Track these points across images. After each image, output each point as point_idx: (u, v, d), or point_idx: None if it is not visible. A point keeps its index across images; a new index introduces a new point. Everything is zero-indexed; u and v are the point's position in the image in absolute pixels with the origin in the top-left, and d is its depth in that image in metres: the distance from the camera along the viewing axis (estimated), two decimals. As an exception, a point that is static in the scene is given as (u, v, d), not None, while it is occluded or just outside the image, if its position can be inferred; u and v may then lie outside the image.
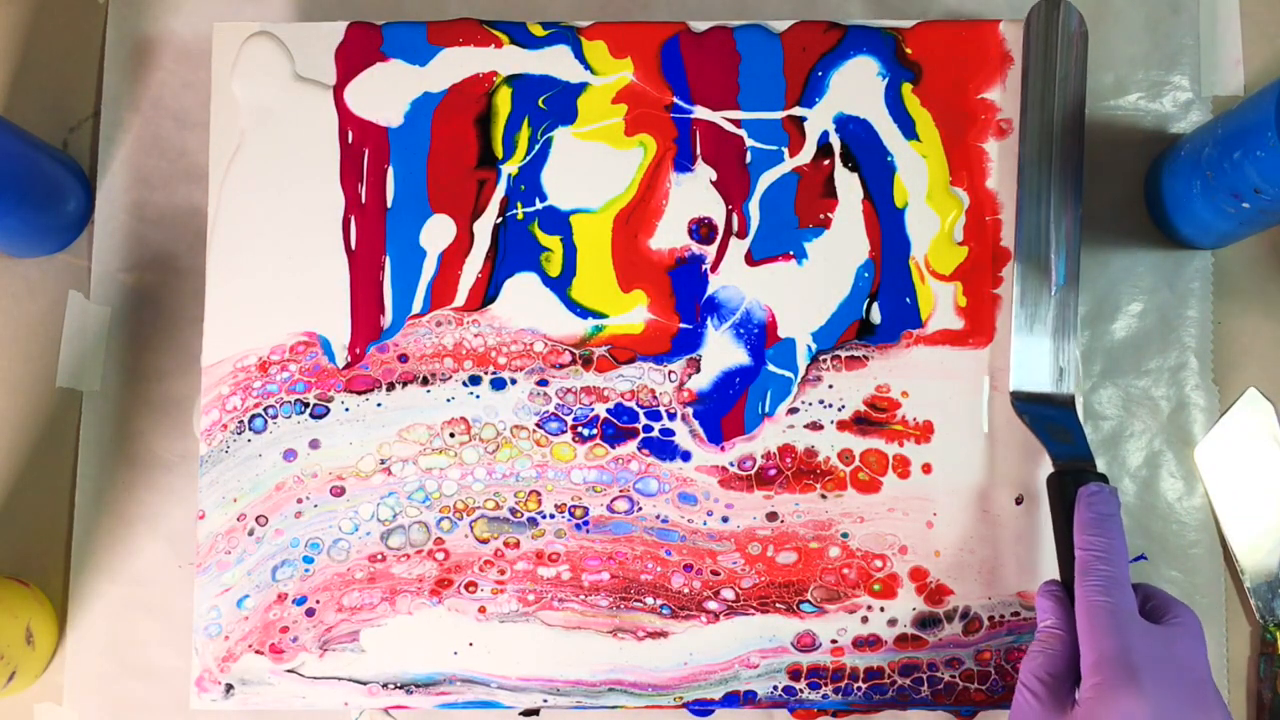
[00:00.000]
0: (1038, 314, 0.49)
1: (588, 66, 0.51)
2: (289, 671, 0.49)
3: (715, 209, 0.51)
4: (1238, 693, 0.52)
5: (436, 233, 0.51)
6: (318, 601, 0.49)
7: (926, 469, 0.49)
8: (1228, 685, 0.52)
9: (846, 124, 0.51)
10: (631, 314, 0.50)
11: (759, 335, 0.50)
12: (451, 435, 0.50)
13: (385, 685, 0.49)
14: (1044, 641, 0.43)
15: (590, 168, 0.51)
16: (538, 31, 0.51)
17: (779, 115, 0.51)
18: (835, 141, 0.51)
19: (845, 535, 0.49)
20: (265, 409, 0.50)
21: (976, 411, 0.50)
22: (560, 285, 0.50)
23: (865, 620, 0.49)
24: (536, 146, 0.51)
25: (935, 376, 0.50)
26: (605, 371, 0.50)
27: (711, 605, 0.49)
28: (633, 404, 0.50)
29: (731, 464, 0.50)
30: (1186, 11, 0.55)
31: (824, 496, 0.49)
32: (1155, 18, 0.55)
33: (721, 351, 0.50)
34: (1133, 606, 0.41)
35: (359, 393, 0.50)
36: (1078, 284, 0.49)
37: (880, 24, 0.51)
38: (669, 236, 0.51)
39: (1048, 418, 0.48)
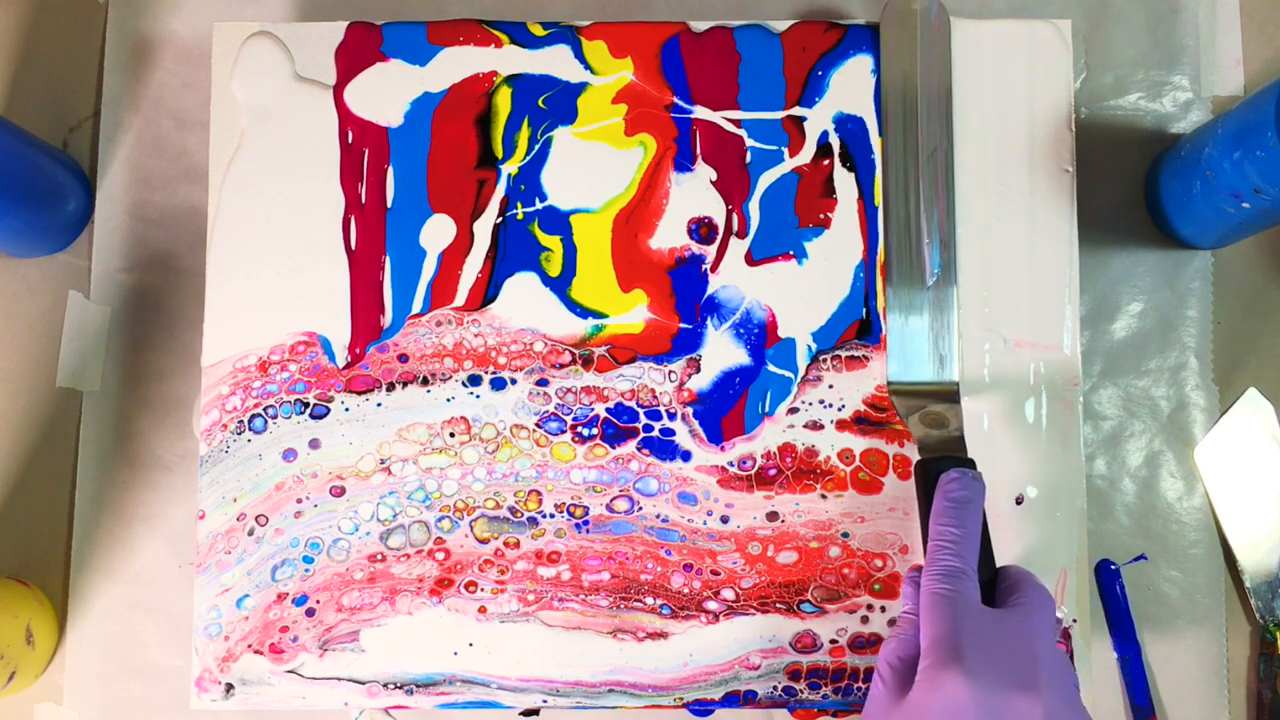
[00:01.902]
0: (913, 304, 0.49)
1: (588, 66, 0.51)
2: (289, 672, 0.49)
3: (715, 209, 0.51)
4: (1238, 693, 0.52)
5: (436, 233, 0.51)
6: (318, 601, 0.49)
7: (926, 469, 0.49)
8: (1228, 685, 0.52)
9: (845, 123, 0.51)
10: (631, 314, 0.50)
11: (759, 335, 0.50)
12: (451, 435, 0.50)
13: (385, 685, 0.49)
14: (899, 627, 0.43)
15: (590, 168, 0.51)
16: (538, 31, 0.51)
17: (779, 115, 0.51)
18: (835, 141, 0.51)
19: (845, 535, 0.49)
20: (265, 409, 0.50)
21: (977, 410, 0.50)
22: (560, 285, 0.50)
23: (865, 620, 0.49)
24: (536, 146, 0.51)
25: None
26: (605, 371, 0.50)
27: (711, 605, 0.49)
28: (633, 404, 0.50)
29: (731, 464, 0.50)
30: (1186, 11, 0.55)
31: (824, 496, 0.49)
32: (1155, 18, 0.55)
33: (721, 351, 0.50)
34: (973, 593, 0.41)
35: (359, 393, 0.50)
36: (955, 272, 0.49)
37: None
38: (669, 236, 0.51)
39: (928, 407, 0.47)
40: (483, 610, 0.49)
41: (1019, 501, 0.49)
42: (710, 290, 0.50)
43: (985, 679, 0.38)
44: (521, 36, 0.51)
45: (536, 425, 0.50)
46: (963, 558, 0.42)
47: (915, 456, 0.49)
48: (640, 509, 0.49)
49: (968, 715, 0.38)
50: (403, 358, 0.50)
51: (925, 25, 0.50)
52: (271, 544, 0.49)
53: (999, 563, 0.46)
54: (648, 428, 0.50)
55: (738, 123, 0.51)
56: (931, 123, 0.49)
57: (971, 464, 0.46)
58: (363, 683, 0.49)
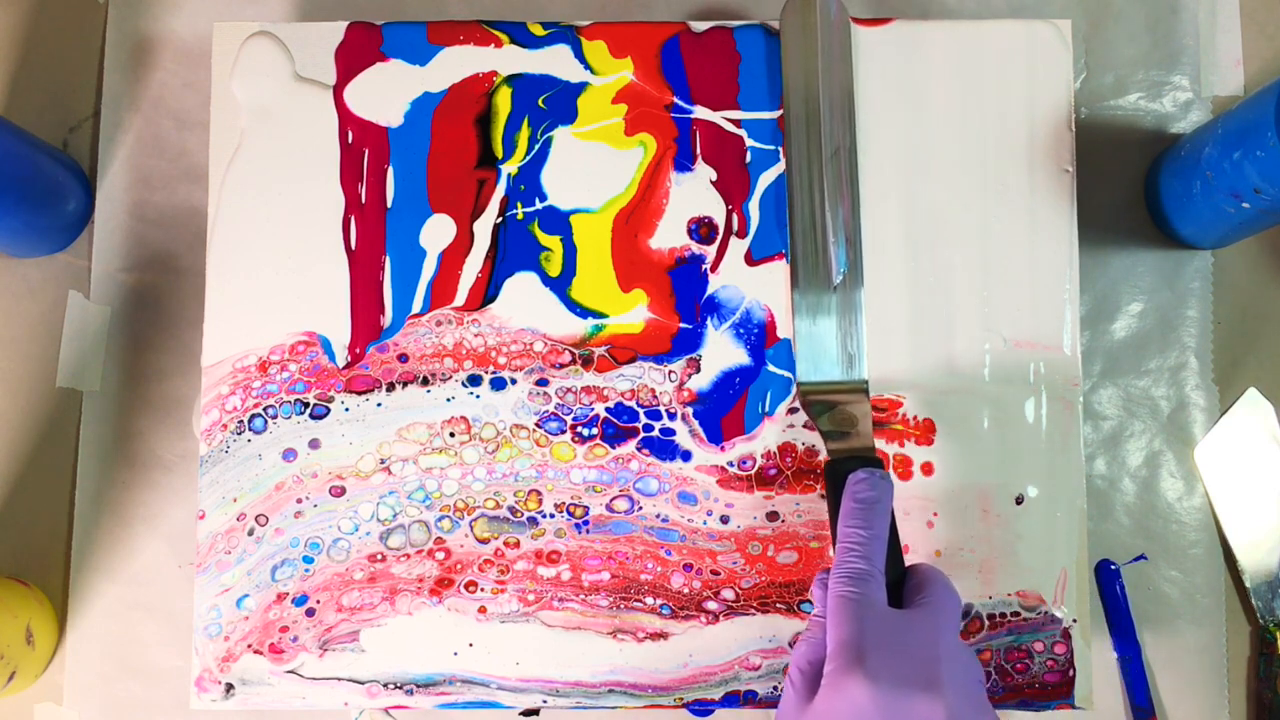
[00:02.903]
0: (820, 304, 0.48)
1: (588, 66, 0.51)
2: (289, 672, 0.49)
3: (715, 209, 0.51)
4: (1238, 693, 0.52)
5: (436, 232, 0.51)
6: (318, 601, 0.49)
7: (927, 468, 0.49)
8: (1228, 685, 0.52)
9: (846, 124, 0.51)
10: (631, 314, 0.50)
11: (759, 335, 0.50)
12: (451, 435, 0.50)
13: (385, 685, 0.49)
14: (808, 630, 0.43)
15: (590, 167, 0.51)
16: (538, 31, 0.51)
17: (779, 115, 0.51)
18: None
19: (845, 535, 0.49)
20: (265, 409, 0.50)
21: (977, 410, 0.50)
22: (560, 285, 0.50)
23: (865, 620, 0.49)
24: (536, 146, 0.51)
25: (936, 375, 0.50)
26: (605, 371, 0.50)
27: (711, 605, 0.49)
28: (633, 404, 0.50)
29: (731, 464, 0.50)
30: (1186, 11, 0.55)
31: (824, 497, 0.49)
32: (1155, 18, 0.55)
33: (721, 351, 0.50)
34: (878, 595, 0.41)
35: (359, 393, 0.50)
36: (861, 271, 0.49)
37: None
38: (669, 236, 0.51)
39: (837, 406, 0.47)
40: (483, 610, 0.49)
41: (1019, 501, 0.49)
42: (710, 290, 0.50)
43: (887, 681, 0.38)
44: (521, 36, 0.51)
45: (536, 425, 0.50)
46: (869, 559, 0.41)
47: (926, 458, 0.49)
48: (640, 509, 0.49)
49: (870, 718, 0.38)
50: (403, 358, 0.50)
51: (825, 24, 0.50)
52: (271, 544, 0.49)
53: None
54: (648, 428, 0.50)
55: (738, 123, 0.51)
56: (834, 122, 0.49)
57: (880, 464, 0.45)
58: (363, 683, 0.49)
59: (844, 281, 0.48)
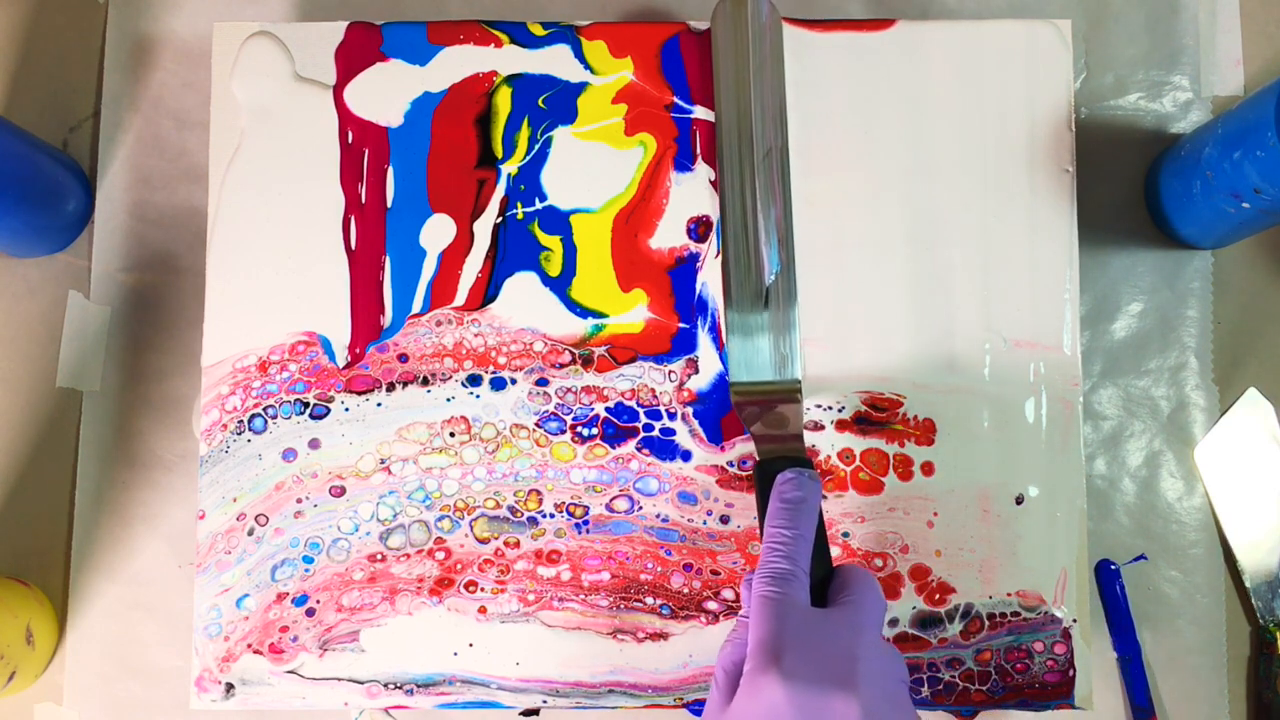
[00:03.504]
0: (754, 305, 0.48)
1: (588, 66, 0.51)
2: (289, 672, 0.49)
3: (715, 208, 0.51)
4: (1238, 693, 0.52)
5: (436, 232, 0.51)
6: (318, 601, 0.49)
7: (927, 468, 0.49)
8: (1227, 685, 0.52)
9: (846, 124, 0.51)
10: (631, 314, 0.50)
11: (759, 335, 0.50)
12: (451, 435, 0.50)
13: (385, 685, 0.49)
14: (734, 631, 0.42)
15: (590, 167, 0.51)
16: (538, 31, 0.51)
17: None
18: (835, 141, 0.51)
19: (846, 535, 0.49)
20: (265, 409, 0.50)
21: (977, 410, 0.50)
22: (560, 285, 0.50)
23: (865, 620, 0.49)
24: (536, 146, 0.51)
25: (936, 375, 0.50)
26: (605, 371, 0.50)
27: (711, 605, 0.49)
28: (633, 403, 0.50)
29: (731, 464, 0.50)
30: (1186, 11, 0.55)
31: (824, 497, 0.49)
32: (1155, 18, 0.55)
33: (714, 351, 0.50)
34: (800, 595, 0.41)
35: (359, 393, 0.50)
36: (793, 270, 0.49)
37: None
38: (669, 236, 0.51)
39: (770, 407, 0.47)
40: (483, 610, 0.49)
41: (1019, 501, 0.49)
42: (698, 289, 0.50)
43: (802, 680, 0.38)
44: (521, 36, 0.51)
45: (536, 425, 0.50)
46: (792, 559, 0.41)
47: (927, 458, 0.49)
48: (640, 509, 0.49)
49: (784, 718, 0.37)
50: (403, 357, 0.50)
51: (756, 26, 0.50)
52: (271, 544, 0.49)
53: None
54: (648, 427, 0.50)
55: (738, 123, 0.51)
56: (766, 124, 0.49)
57: (809, 464, 0.45)
58: (363, 683, 0.49)
59: (777, 282, 0.48)
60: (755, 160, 0.49)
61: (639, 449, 0.50)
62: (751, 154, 0.49)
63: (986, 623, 0.49)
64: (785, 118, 0.49)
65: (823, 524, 0.44)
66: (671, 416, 0.50)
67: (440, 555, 0.49)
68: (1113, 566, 0.53)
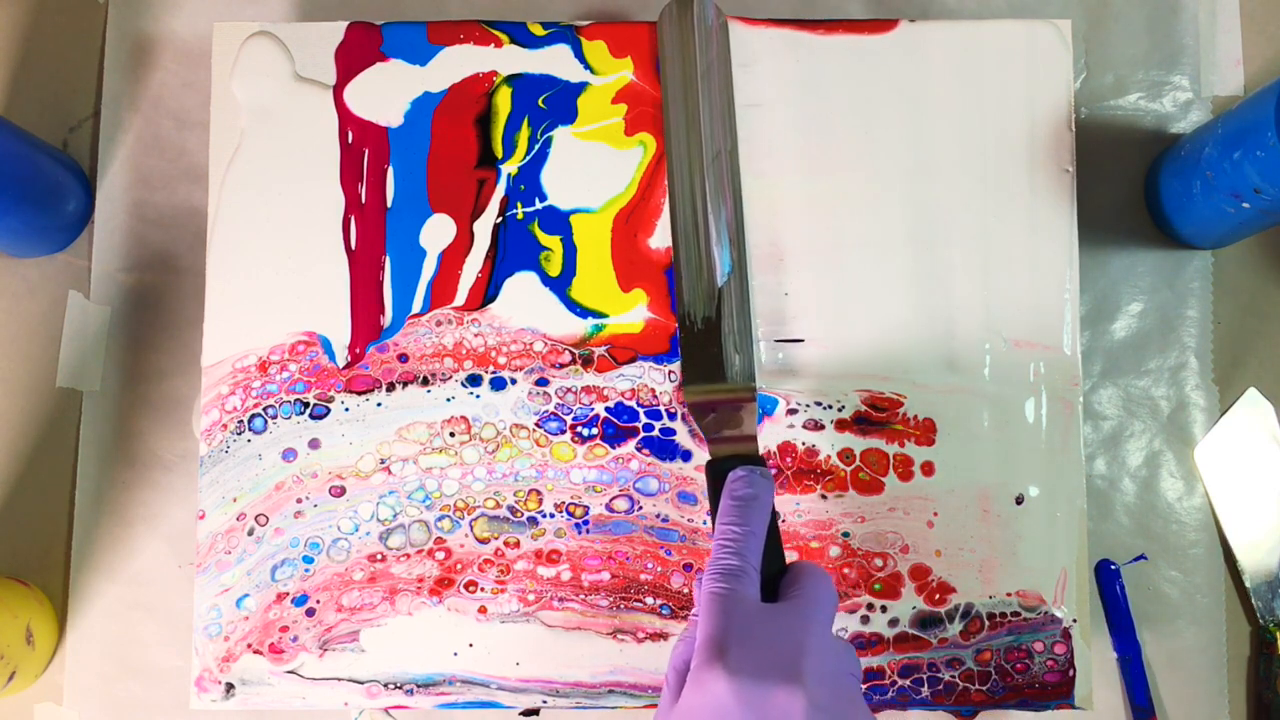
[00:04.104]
0: (707, 305, 0.48)
1: (587, 66, 0.51)
2: (289, 672, 0.49)
3: (715, 209, 0.51)
4: (1238, 693, 0.52)
5: (436, 232, 0.51)
6: (318, 601, 0.49)
7: (927, 468, 0.49)
8: (1228, 685, 0.52)
9: (846, 124, 0.51)
10: (631, 313, 0.50)
11: (759, 335, 0.50)
12: (451, 435, 0.50)
13: (385, 685, 0.49)
14: (686, 629, 0.42)
15: (590, 167, 0.51)
16: (538, 31, 0.51)
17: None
18: (835, 141, 0.51)
19: (846, 535, 0.49)
20: (265, 409, 0.50)
21: (977, 410, 0.50)
22: (560, 285, 0.50)
23: (866, 620, 0.49)
24: (536, 146, 0.51)
25: (936, 375, 0.50)
26: (605, 371, 0.50)
27: (711, 605, 0.49)
28: (633, 403, 0.50)
29: (731, 464, 0.49)
30: (1186, 11, 0.55)
31: (824, 496, 0.49)
32: (1155, 18, 0.55)
33: (721, 351, 0.50)
34: (750, 591, 0.40)
35: (359, 393, 0.50)
36: (746, 271, 0.48)
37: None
38: (668, 236, 0.51)
39: (724, 408, 0.47)
40: (483, 610, 0.49)
41: (1019, 501, 0.49)
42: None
43: (746, 674, 0.37)
44: (521, 36, 0.51)
45: (536, 425, 0.50)
46: (742, 556, 0.41)
47: (927, 458, 0.49)
48: (640, 509, 0.49)
49: (729, 712, 0.37)
50: (403, 357, 0.50)
51: (703, 29, 0.50)
52: (271, 544, 0.49)
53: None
54: (648, 427, 0.50)
55: (738, 123, 0.51)
56: (715, 125, 0.49)
57: (762, 462, 0.45)
58: (363, 683, 0.49)
59: (729, 283, 0.48)
60: (705, 162, 0.49)
61: (639, 449, 0.50)
62: (701, 156, 0.49)
63: (986, 623, 0.49)
64: (734, 119, 0.49)
65: (775, 520, 0.43)
66: (671, 416, 0.50)
67: (440, 555, 0.49)
68: (1113, 566, 0.53)
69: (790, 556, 0.48)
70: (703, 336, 0.48)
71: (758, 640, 0.39)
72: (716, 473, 0.44)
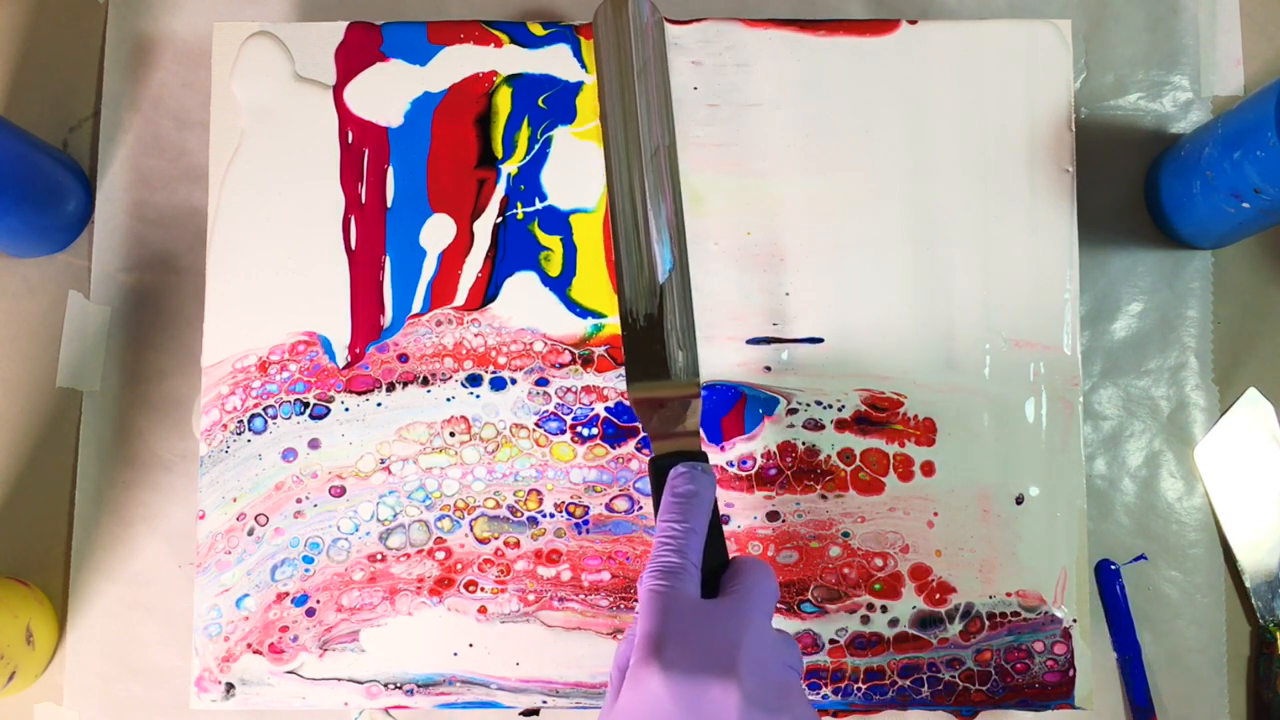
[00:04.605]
0: (649, 302, 0.48)
1: (586, 66, 0.51)
2: (289, 672, 0.49)
3: (715, 209, 0.51)
4: (1238, 693, 0.52)
5: (436, 232, 0.51)
6: (318, 601, 0.49)
7: (927, 468, 0.49)
8: (1227, 685, 0.52)
9: (846, 124, 0.51)
10: (631, 314, 0.50)
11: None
12: (451, 435, 0.50)
13: (385, 686, 0.49)
14: (629, 628, 0.42)
15: (590, 167, 0.51)
16: (538, 31, 0.51)
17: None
18: (835, 141, 0.51)
19: (846, 534, 0.49)
20: (265, 409, 0.50)
21: (977, 410, 0.50)
22: (560, 285, 0.50)
23: (866, 620, 0.49)
24: (536, 146, 0.51)
25: (936, 375, 0.50)
26: (605, 371, 0.50)
27: (711, 605, 0.49)
28: (633, 404, 0.50)
29: (731, 463, 0.50)
30: (1186, 11, 0.55)
31: (824, 496, 0.49)
32: (1155, 18, 0.55)
33: (721, 351, 0.50)
34: (689, 588, 0.40)
35: (359, 393, 0.50)
36: (687, 268, 0.48)
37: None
38: (669, 236, 0.51)
39: (667, 405, 0.46)
40: (483, 610, 0.49)
41: (1019, 501, 0.49)
42: (710, 290, 0.50)
43: (681, 670, 0.37)
44: (521, 36, 0.51)
45: (536, 425, 0.50)
46: (682, 553, 0.41)
47: (927, 458, 0.49)
48: (640, 508, 0.49)
49: (664, 708, 0.37)
50: (403, 357, 0.50)
51: (638, 26, 0.49)
52: (271, 544, 0.49)
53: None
54: (648, 427, 0.50)
55: (738, 123, 0.51)
56: (653, 122, 0.49)
57: (704, 458, 0.45)
58: (363, 683, 0.49)
59: (670, 280, 0.48)
60: (644, 159, 0.48)
61: (639, 449, 0.50)
62: (639, 153, 0.49)
63: (986, 623, 0.49)
64: (671, 116, 0.49)
65: (717, 516, 0.43)
66: (671, 416, 0.50)
67: (440, 555, 0.49)
68: (1113, 566, 0.53)
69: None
70: (645, 334, 0.47)
71: (694, 636, 0.39)
72: (659, 470, 0.44)
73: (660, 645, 0.38)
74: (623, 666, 0.41)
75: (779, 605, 0.49)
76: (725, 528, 0.49)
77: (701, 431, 0.48)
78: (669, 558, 0.41)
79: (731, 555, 0.44)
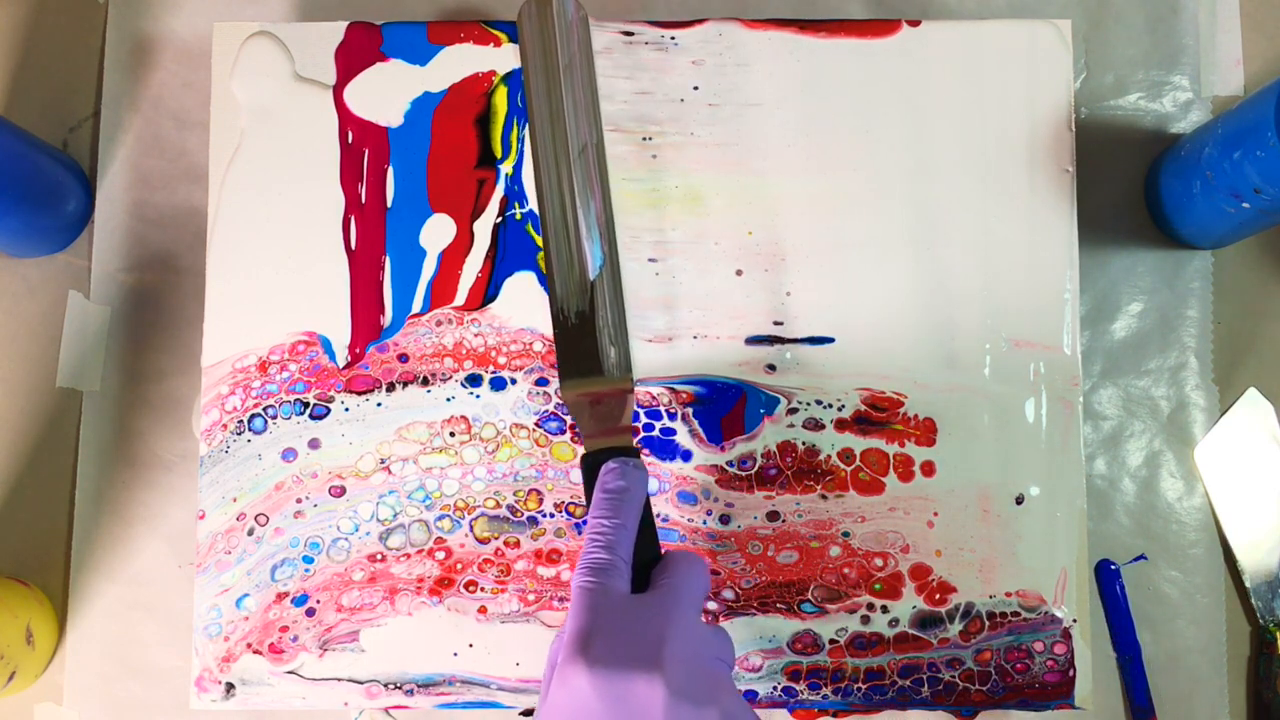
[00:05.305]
0: (580, 299, 0.47)
1: (588, 66, 0.51)
2: (289, 672, 0.49)
3: (715, 209, 0.51)
4: (1238, 693, 0.52)
5: (436, 232, 0.51)
6: (318, 601, 0.49)
7: (927, 468, 0.49)
8: (1227, 685, 0.52)
9: (846, 124, 0.51)
10: (631, 314, 0.50)
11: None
12: (451, 434, 0.50)
13: (385, 686, 0.49)
14: (562, 626, 0.42)
15: (590, 167, 0.51)
16: (538, 31, 0.51)
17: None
18: (835, 141, 0.51)
19: (846, 534, 0.49)
20: (265, 409, 0.50)
21: (977, 410, 0.50)
22: (560, 285, 0.50)
23: (866, 620, 0.49)
24: (536, 146, 0.51)
25: (936, 375, 0.50)
26: (605, 371, 0.50)
27: (711, 605, 0.49)
28: (633, 404, 0.50)
29: (731, 464, 0.50)
30: (1186, 11, 0.55)
31: (824, 496, 0.49)
32: (1155, 18, 0.55)
33: (721, 351, 0.50)
34: (619, 584, 0.41)
35: (359, 393, 0.50)
36: (617, 264, 0.48)
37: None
38: (669, 236, 0.51)
39: (600, 402, 0.46)
40: (483, 610, 0.49)
41: (1019, 501, 0.49)
42: (710, 290, 0.50)
43: (605, 665, 0.38)
44: (521, 36, 0.51)
45: (536, 425, 0.50)
46: (611, 549, 0.41)
47: (927, 458, 0.49)
48: (640, 509, 0.49)
49: (590, 704, 0.37)
50: (403, 357, 0.50)
51: (563, 23, 0.49)
52: (271, 544, 0.49)
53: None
54: (648, 427, 0.50)
55: (738, 123, 0.51)
56: (580, 119, 0.49)
57: (635, 453, 0.45)
58: (362, 683, 0.49)
59: (601, 276, 0.48)
60: (571, 156, 0.48)
61: (638, 448, 0.50)
62: (567, 151, 0.48)
63: (986, 623, 0.49)
64: (599, 113, 0.49)
65: (649, 511, 0.43)
66: (672, 416, 0.50)
67: (440, 555, 0.49)
68: (1113, 566, 0.53)
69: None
70: (577, 330, 0.47)
71: (620, 632, 0.39)
72: (590, 465, 0.44)
73: (586, 642, 0.38)
74: (554, 664, 0.41)
75: (779, 606, 0.49)
76: (725, 528, 0.49)
77: (636, 425, 0.48)
78: (598, 554, 0.41)
79: (664, 549, 0.44)
